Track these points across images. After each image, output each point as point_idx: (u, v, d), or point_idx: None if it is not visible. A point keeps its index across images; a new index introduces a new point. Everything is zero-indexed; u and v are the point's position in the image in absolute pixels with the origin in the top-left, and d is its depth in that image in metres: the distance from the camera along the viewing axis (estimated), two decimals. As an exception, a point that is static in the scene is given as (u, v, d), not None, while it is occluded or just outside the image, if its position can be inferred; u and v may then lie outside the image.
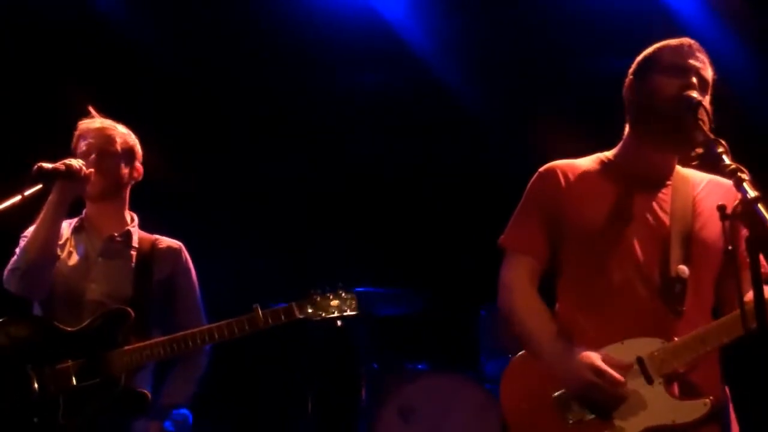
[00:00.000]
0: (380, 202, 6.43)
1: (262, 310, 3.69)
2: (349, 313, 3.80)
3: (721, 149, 2.66)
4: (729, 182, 2.69)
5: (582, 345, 2.88)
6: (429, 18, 6.12)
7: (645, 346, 2.85)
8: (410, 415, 5.42)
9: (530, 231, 3.04)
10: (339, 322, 3.78)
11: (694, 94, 2.86)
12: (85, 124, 3.93)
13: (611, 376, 2.80)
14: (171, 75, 6.14)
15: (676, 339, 2.83)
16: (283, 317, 3.72)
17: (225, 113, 6.35)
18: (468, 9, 6.07)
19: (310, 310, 3.76)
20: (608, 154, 3.08)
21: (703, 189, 3.01)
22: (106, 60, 6.01)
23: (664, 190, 2.98)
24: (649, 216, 2.94)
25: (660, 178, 3.00)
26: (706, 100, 2.90)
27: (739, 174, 2.49)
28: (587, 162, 3.08)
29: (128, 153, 3.93)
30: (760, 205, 2.39)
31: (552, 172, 3.05)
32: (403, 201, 6.46)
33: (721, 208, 2.47)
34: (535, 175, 3.09)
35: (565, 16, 5.87)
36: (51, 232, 3.71)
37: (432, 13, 6.12)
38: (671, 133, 2.89)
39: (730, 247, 2.46)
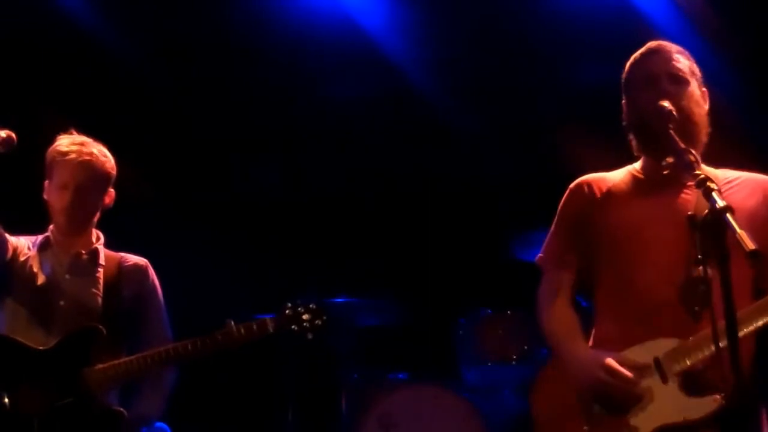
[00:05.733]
0: (359, 213, 6.43)
1: (237, 323, 3.68)
2: (319, 324, 3.81)
3: (691, 158, 2.70)
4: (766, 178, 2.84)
5: (609, 349, 2.93)
6: (407, 27, 6.13)
7: (663, 347, 2.87)
8: (391, 425, 5.42)
9: (560, 246, 3.17)
10: (310, 336, 3.80)
11: (665, 103, 2.90)
12: (64, 148, 3.81)
13: (622, 374, 2.85)
14: (139, 85, 6.10)
15: (691, 338, 2.83)
16: (257, 332, 3.72)
17: (194, 124, 6.30)
18: (447, 17, 6.08)
19: (282, 325, 3.77)
20: (636, 165, 3.17)
21: (733, 186, 3.01)
22: (73, 69, 5.95)
23: (687, 191, 2.98)
24: (671, 218, 2.94)
25: (682, 181, 2.98)
26: (691, 89, 3.00)
27: (708, 184, 2.50)
28: (616, 174, 3.18)
29: (105, 182, 3.86)
30: (729, 215, 2.40)
31: (580, 186, 3.19)
32: (381, 212, 6.46)
33: (691, 218, 2.49)
34: (566, 192, 3.21)
35: (547, 26, 5.90)
36: None
37: (410, 22, 6.13)
38: (660, 145, 2.91)
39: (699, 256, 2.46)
